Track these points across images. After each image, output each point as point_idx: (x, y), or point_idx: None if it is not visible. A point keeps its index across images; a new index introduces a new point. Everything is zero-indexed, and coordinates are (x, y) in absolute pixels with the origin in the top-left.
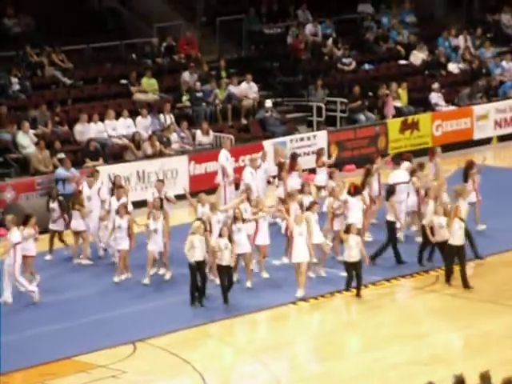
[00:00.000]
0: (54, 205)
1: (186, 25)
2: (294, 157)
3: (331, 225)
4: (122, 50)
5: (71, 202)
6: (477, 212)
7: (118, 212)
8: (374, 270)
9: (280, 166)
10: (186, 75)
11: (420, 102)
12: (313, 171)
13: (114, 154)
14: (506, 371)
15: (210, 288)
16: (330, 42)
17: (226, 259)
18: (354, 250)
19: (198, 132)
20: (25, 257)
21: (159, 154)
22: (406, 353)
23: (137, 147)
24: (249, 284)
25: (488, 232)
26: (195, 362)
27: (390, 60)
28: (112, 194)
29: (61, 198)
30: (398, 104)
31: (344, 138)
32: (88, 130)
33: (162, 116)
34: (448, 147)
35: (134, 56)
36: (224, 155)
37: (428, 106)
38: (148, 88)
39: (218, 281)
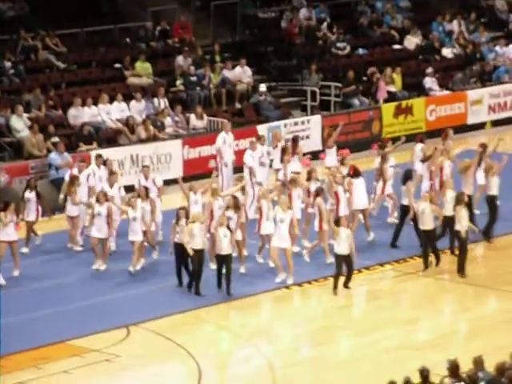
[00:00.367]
0: (30, 195)
1: (180, 9)
2: (295, 140)
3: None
4: (116, 33)
5: (67, 187)
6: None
7: (97, 199)
8: (368, 254)
9: (283, 149)
10: (180, 59)
11: (414, 87)
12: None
13: (108, 138)
14: (500, 356)
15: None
16: (324, 26)
17: (225, 248)
18: (344, 243)
19: (192, 116)
20: (7, 242)
21: (153, 138)
22: (398, 337)
23: (131, 131)
24: (242, 270)
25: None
26: (189, 346)
27: (384, 45)
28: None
29: (39, 189)
30: (392, 89)
31: (338, 122)
32: (82, 114)
33: (155, 100)
34: (441, 132)
35: (128, 40)
36: (222, 138)
37: (422, 91)
38: (142, 72)
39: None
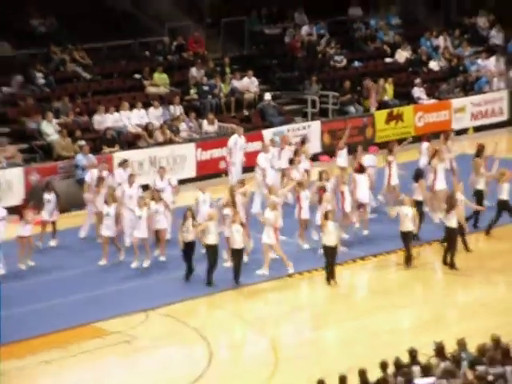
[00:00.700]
0: (50, 196)
1: (194, 26)
2: (303, 141)
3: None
4: (136, 47)
5: (96, 187)
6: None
7: (106, 201)
8: (362, 246)
9: (296, 151)
10: (193, 71)
11: (404, 96)
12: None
13: (129, 141)
14: (481, 338)
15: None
16: (323, 41)
17: (238, 242)
18: (332, 235)
19: (205, 122)
20: (26, 237)
21: (169, 142)
22: (389, 322)
23: (149, 135)
24: (245, 259)
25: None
26: (201, 329)
27: (378, 58)
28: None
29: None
30: (385, 97)
31: (335, 127)
32: (105, 120)
33: (172, 107)
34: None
35: (147, 53)
36: (234, 139)
37: (411, 100)
38: (159, 82)
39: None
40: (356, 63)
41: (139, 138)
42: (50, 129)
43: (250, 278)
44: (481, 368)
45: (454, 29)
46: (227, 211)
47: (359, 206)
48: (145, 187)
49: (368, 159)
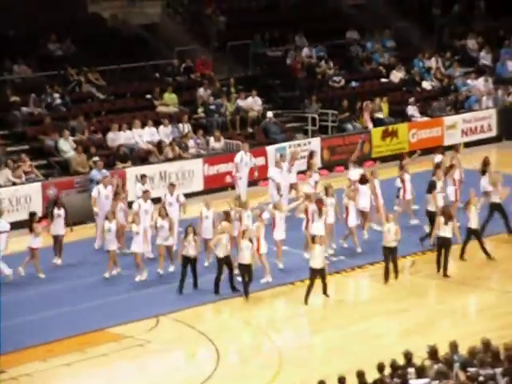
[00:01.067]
0: (60, 211)
1: (201, 49)
2: (311, 155)
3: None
4: (147, 70)
5: (113, 200)
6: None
7: (107, 217)
8: (360, 255)
9: (309, 165)
10: (201, 91)
11: (399, 114)
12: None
13: (141, 157)
14: (472, 341)
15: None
16: (322, 63)
17: (247, 258)
18: (318, 259)
19: (211, 139)
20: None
21: (178, 158)
22: (386, 326)
23: (159, 152)
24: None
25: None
26: (209, 333)
27: (373, 78)
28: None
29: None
30: (381, 115)
31: (334, 143)
32: (118, 137)
33: (180, 125)
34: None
35: (157, 75)
36: (240, 156)
37: (405, 117)
38: (169, 102)
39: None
40: (353, 83)
41: (150, 154)
42: (66, 146)
43: (254, 285)
44: (472, 369)
45: (445, 51)
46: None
47: (362, 213)
48: (155, 200)
49: (355, 173)
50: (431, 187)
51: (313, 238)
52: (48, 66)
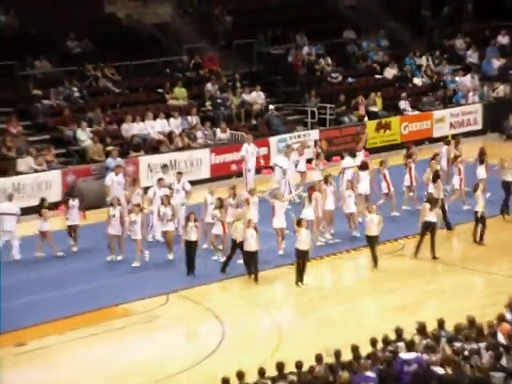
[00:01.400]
0: (74, 202)
1: (209, 47)
2: (316, 144)
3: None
4: (159, 65)
5: (131, 186)
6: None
7: (111, 204)
8: (355, 239)
9: (317, 155)
10: (209, 86)
11: (391, 108)
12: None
13: (153, 146)
14: (458, 318)
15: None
16: (321, 60)
17: (253, 246)
18: (304, 241)
19: (218, 130)
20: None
21: (187, 147)
22: (378, 304)
23: (170, 142)
24: (216, 257)
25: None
26: (215, 309)
27: (368, 75)
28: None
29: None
30: (375, 109)
31: (332, 135)
32: (132, 128)
33: (189, 117)
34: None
35: (168, 70)
36: (245, 148)
37: (398, 111)
38: (179, 96)
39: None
40: (350, 79)
41: (161, 144)
42: (84, 136)
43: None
44: (458, 344)
45: (435, 50)
46: (216, 212)
47: (360, 196)
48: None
49: (347, 162)
50: (436, 176)
51: (299, 222)
52: (67, 62)
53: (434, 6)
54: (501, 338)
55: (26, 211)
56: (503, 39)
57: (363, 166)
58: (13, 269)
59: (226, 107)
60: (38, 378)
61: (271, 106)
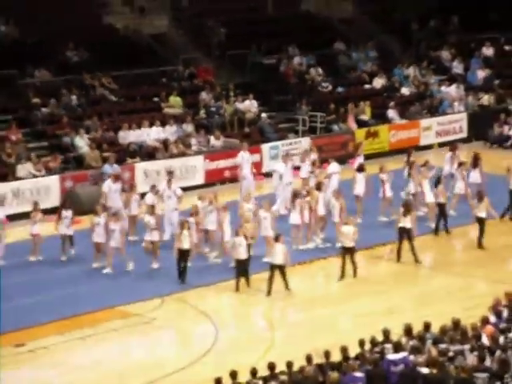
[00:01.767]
0: (67, 213)
1: (203, 57)
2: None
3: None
4: (155, 75)
5: (129, 192)
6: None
7: (96, 212)
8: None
9: (313, 163)
10: (203, 94)
11: (380, 117)
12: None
13: (148, 153)
14: (443, 320)
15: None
16: (312, 70)
17: (242, 254)
18: (278, 256)
19: (212, 137)
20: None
21: (182, 154)
22: (366, 306)
23: (165, 149)
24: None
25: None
26: (209, 312)
27: (358, 84)
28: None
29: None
30: (364, 117)
31: (322, 142)
32: (128, 136)
33: (184, 125)
34: (400, 151)
35: (164, 80)
36: (240, 155)
37: (386, 120)
38: (174, 104)
39: None
40: (339, 89)
41: (157, 151)
42: (81, 143)
43: (251, 269)
44: (443, 346)
45: (422, 61)
46: (192, 219)
47: (356, 199)
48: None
49: (333, 167)
50: (438, 181)
51: (276, 237)
52: (66, 71)
53: (421, 19)
54: (485, 340)
55: (25, 216)
56: (487, 51)
57: (360, 169)
58: (9, 272)
59: (220, 115)
60: (37, 378)
61: (264, 115)
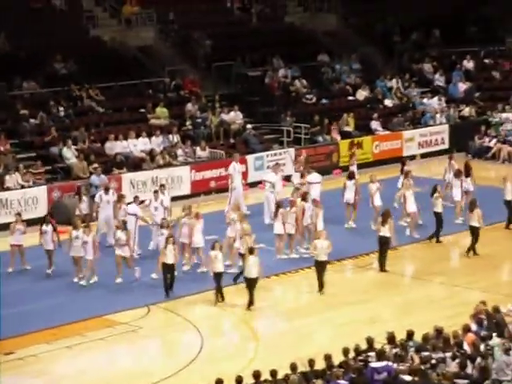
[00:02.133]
0: (47, 228)
1: (189, 69)
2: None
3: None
4: (141, 86)
5: (117, 202)
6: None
7: (74, 226)
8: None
9: (302, 174)
10: (189, 106)
11: (363, 128)
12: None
13: (135, 164)
14: (426, 329)
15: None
16: (296, 82)
17: (219, 267)
18: (253, 269)
19: (198, 148)
20: (17, 246)
21: (168, 165)
22: (350, 315)
23: (151, 159)
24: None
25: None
26: (195, 321)
27: (341, 96)
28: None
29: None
30: (348, 129)
31: (307, 153)
32: (115, 147)
33: (170, 136)
34: (383, 161)
35: (150, 91)
36: (232, 166)
37: (369, 131)
38: (161, 115)
39: None
40: (324, 100)
41: (143, 162)
42: (69, 153)
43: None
44: (425, 353)
45: (405, 73)
46: (164, 231)
47: (346, 205)
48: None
49: (314, 177)
50: (434, 191)
51: (250, 250)
52: (54, 83)
53: (403, 32)
54: (466, 348)
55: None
56: (468, 64)
57: (350, 176)
58: None
59: (206, 126)
60: None
61: (249, 126)
